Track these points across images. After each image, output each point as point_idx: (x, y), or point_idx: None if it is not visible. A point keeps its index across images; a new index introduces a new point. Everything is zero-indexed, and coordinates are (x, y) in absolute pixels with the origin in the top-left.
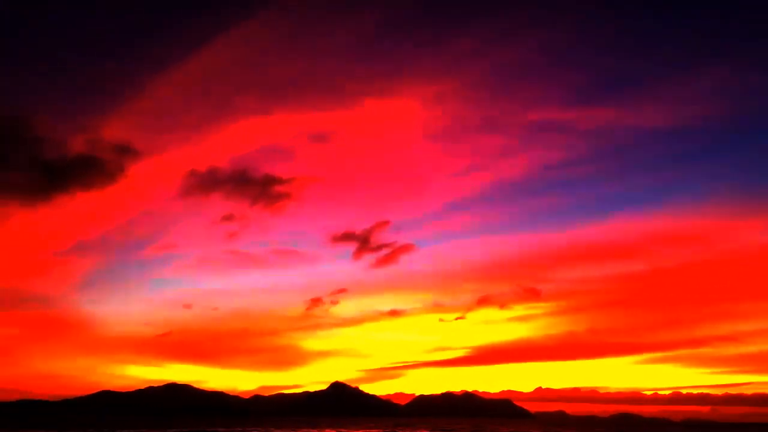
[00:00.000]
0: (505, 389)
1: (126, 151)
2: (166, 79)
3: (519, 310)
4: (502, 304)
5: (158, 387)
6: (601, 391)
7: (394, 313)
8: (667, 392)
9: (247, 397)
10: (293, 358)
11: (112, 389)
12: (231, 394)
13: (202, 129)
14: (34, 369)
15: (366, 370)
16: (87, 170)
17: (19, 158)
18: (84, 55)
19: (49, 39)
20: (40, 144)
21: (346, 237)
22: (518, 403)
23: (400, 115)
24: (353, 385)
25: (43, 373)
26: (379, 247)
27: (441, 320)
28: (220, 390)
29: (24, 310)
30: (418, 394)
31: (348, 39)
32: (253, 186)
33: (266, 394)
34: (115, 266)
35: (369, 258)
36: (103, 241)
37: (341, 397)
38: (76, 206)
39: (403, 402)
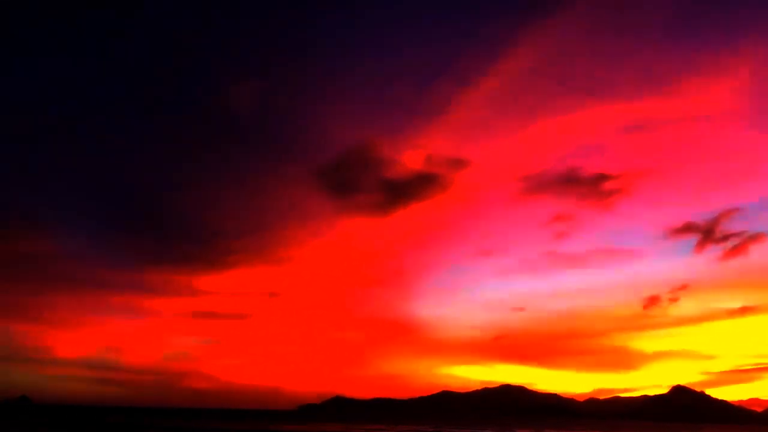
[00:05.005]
0: None
1: (454, 163)
2: (479, 87)
3: None
4: None
5: (493, 388)
6: None
7: (744, 311)
8: None
9: (581, 400)
10: (629, 359)
11: (451, 389)
12: (565, 396)
13: (520, 131)
14: (381, 370)
15: (712, 373)
16: (421, 184)
17: (366, 180)
18: (410, 80)
19: (383, 72)
20: (382, 165)
21: (686, 229)
22: None
23: (728, 90)
24: (698, 389)
25: (389, 374)
26: (726, 238)
27: None
28: (553, 392)
29: (370, 316)
30: None
31: (657, 16)
32: (581, 184)
33: (601, 397)
34: (447, 272)
35: (714, 250)
36: (436, 248)
37: (684, 402)
38: (412, 219)
39: (760, 408)
